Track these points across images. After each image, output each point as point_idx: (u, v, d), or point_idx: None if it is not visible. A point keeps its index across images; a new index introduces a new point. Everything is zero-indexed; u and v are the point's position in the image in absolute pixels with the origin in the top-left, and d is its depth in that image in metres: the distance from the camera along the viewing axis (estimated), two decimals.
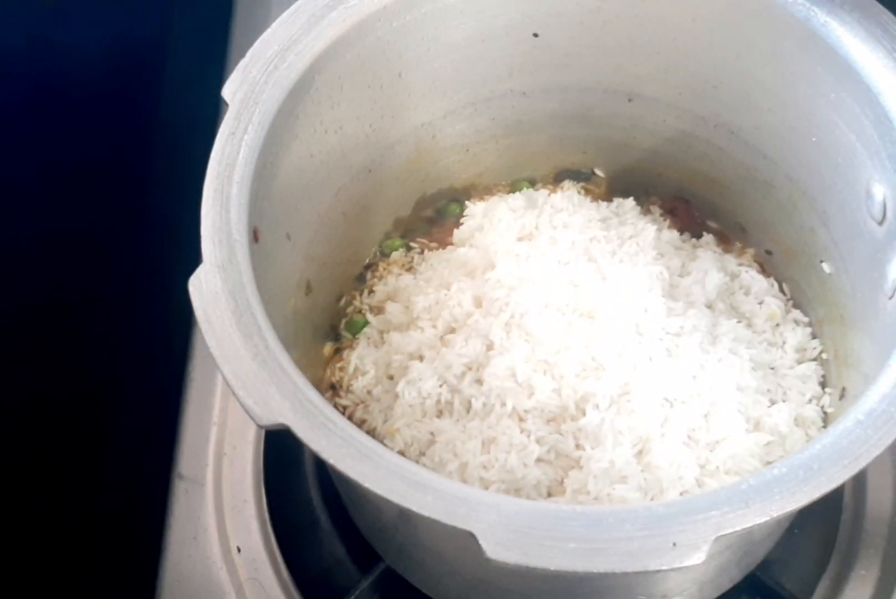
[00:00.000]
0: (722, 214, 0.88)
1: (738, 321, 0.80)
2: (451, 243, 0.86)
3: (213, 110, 0.89)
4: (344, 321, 0.84)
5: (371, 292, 0.85)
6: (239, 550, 0.82)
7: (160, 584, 0.81)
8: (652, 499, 0.69)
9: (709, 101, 0.80)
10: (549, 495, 0.71)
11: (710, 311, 0.80)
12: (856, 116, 0.67)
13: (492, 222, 0.83)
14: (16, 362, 0.82)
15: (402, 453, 0.73)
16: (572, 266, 0.79)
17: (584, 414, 0.72)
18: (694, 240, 0.87)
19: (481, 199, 0.89)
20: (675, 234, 0.85)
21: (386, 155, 0.81)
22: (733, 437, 0.72)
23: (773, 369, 0.78)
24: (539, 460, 0.71)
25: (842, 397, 0.75)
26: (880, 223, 0.68)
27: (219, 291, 0.58)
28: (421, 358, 0.77)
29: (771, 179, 0.80)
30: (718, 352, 0.76)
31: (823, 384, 0.78)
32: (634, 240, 0.82)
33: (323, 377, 0.81)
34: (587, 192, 0.89)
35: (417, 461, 0.72)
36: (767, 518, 0.52)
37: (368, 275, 0.86)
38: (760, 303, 0.82)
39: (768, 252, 0.85)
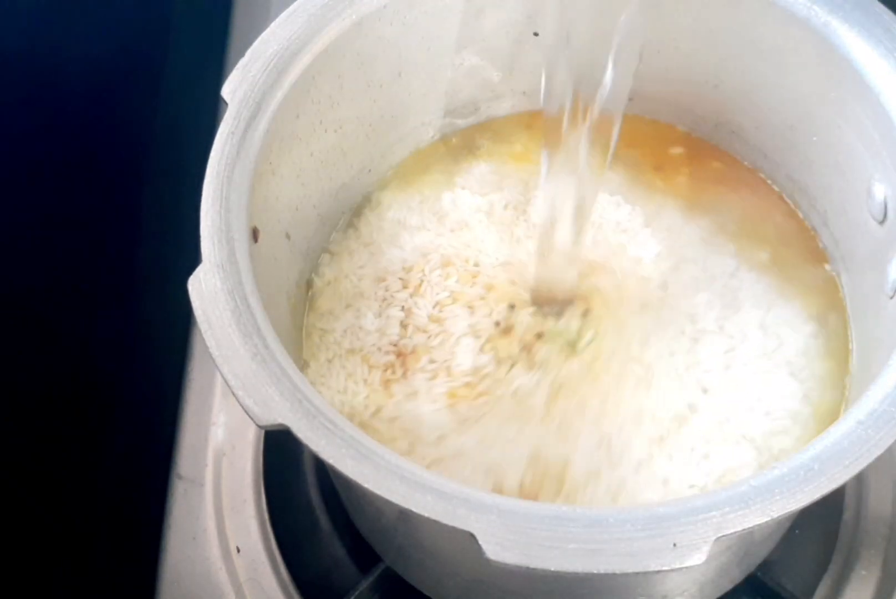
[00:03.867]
0: None
1: None
2: None
3: (212, 110, 0.89)
4: None
5: None
6: (238, 550, 0.82)
7: (159, 585, 0.81)
8: None
9: (709, 100, 0.79)
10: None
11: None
12: (857, 116, 0.67)
13: None
14: (12, 363, 0.82)
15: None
16: None
17: None
18: None
19: None
20: None
21: (386, 155, 0.81)
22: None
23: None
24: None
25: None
26: (881, 223, 0.67)
27: (218, 290, 0.58)
28: None
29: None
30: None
31: None
32: None
33: None
34: None
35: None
36: (768, 519, 0.52)
37: None
38: None
39: None
